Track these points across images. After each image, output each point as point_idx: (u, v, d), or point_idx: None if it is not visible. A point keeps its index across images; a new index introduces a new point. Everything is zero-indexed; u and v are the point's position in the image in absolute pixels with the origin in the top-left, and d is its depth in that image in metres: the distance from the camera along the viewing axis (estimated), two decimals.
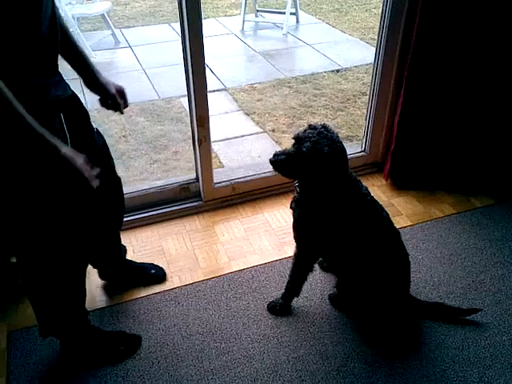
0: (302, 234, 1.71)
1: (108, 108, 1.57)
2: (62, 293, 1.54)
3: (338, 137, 1.52)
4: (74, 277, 1.55)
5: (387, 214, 1.67)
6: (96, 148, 1.53)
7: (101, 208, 1.59)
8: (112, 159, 1.65)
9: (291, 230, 1.75)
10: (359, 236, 1.61)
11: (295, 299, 1.89)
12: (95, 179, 1.24)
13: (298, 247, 1.77)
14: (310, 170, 1.49)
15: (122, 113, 1.58)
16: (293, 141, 1.54)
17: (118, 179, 1.70)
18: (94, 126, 1.54)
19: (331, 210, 1.58)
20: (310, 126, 1.51)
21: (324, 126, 1.50)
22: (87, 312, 1.69)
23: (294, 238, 1.75)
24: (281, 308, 1.88)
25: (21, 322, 1.84)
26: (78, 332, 1.67)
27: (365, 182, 1.65)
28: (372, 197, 1.64)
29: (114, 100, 1.54)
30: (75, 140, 1.35)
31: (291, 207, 1.71)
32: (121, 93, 1.55)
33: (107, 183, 1.62)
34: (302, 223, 1.68)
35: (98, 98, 1.54)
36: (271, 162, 1.53)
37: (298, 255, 1.78)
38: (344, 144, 1.53)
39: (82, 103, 1.47)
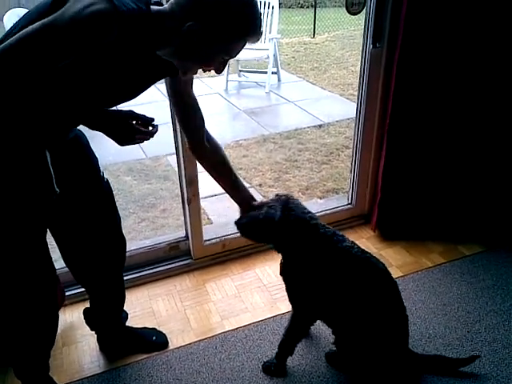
0: (295, 298, 1.73)
1: None
2: (28, 337, 1.53)
3: (296, 204, 1.59)
4: (41, 324, 1.54)
5: (383, 265, 1.67)
6: (99, 192, 1.55)
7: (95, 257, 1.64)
8: (119, 217, 1.70)
9: (283, 285, 1.75)
10: (350, 292, 1.61)
11: (290, 357, 1.84)
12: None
13: (293, 309, 1.77)
14: (266, 234, 1.59)
15: None
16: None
17: (123, 237, 1.76)
18: (105, 176, 1.56)
19: (313, 272, 1.61)
20: (276, 195, 1.63)
21: (286, 195, 1.61)
22: (48, 367, 1.68)
23: (289, 301, 1.76)
24: (276, 368, 1.83)
25: None
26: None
27: (353, 234, 1.67)
28: (359, 248, 1.64)
29: None
30: (68, 179, 1.39)
31: (281, 274, 1.73)
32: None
33: (109, 239, 1.62)
34: (292, 288, 1.71)
35: None
36: (235, 223, 1.64)
37: (294, 317, 1.77)
38: (309, 210, 1.61)
39: (85, 146, 1.50)
